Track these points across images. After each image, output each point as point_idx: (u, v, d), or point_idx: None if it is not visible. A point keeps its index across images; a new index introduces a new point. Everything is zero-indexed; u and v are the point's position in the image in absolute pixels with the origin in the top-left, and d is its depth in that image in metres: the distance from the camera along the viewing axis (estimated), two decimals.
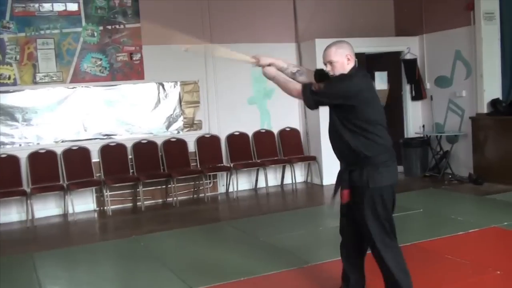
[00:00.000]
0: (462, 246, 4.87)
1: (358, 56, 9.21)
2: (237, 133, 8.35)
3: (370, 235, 3.25)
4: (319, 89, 3.20)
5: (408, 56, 8.97)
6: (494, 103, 7.82)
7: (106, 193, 7.28)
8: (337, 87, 3.21)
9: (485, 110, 7.89)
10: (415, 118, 9.09)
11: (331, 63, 3.28)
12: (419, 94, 8.94)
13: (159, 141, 7.87)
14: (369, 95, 3.22)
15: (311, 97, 3.23)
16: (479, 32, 7.82)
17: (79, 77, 7.45)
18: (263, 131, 8.57)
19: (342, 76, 3.26)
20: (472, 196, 7.09)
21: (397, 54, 9.06)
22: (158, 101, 7.96)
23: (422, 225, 5.80)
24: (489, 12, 7.83)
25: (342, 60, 3.27)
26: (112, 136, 7.69)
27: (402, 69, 9.07)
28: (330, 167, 8.27)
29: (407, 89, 9.07)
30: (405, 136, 9.04)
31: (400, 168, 8.86)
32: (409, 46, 8.98)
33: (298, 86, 3.32)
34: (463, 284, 3.94)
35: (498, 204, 6.45)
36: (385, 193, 3.22)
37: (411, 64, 8.95)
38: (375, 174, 3.18)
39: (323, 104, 3.26)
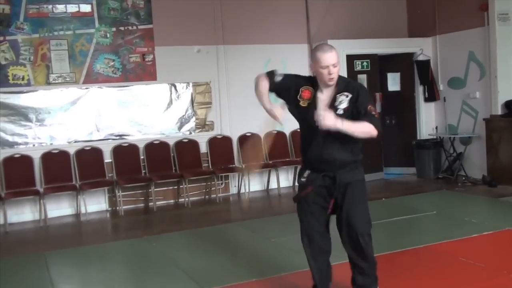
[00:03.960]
0: (476, 248, 4.82)
1: (371, 57, 9.26)
2: (249, 134, 8.34)
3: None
4: (376, 112, 3.25)
5: (421, 57, 8.91)
6: (508, 104, 7.75)
7: (118, 193, 7.30)
8: (372, 101, 3.34)
9: (499, 111, 7.82)
10: (428, 120, 9.02)
11: (335, 65, 3.23)
12: (432, 96, 8.88)
13: (171, 142, 7.89)
14: None
15: (379, 121, 3.26)
16: (493, 33, 7.76)
17: (92, 78, 7.49)
18: (275, 132, 8.54)
19: (363, 87, 3.40)
20: (486, 198, 7.02)
21: (410, 55, 9.01)
22: (170, 102, 7.98)
23: (435, 227, 5.74)
24: (504, 13, 7.76)
25: (340, 64, 3.33)
26: (124, 137, 7.72)
27: (415, 70, 9.01)
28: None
29: (420, 90, 9.01)
30: (418, 138, 8.98)
31: (413, 170, 8.84)
32: (422, 47, 8.92)
33: (368, 126, 3.16)
34: (477, 287, 3.90)
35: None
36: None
37: (424, 65, 8.90)
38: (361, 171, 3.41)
39: None
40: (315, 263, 3.54)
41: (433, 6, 8.85)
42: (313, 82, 3.36)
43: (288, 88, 3.42)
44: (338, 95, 3.27)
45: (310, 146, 3.35)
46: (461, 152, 8.37)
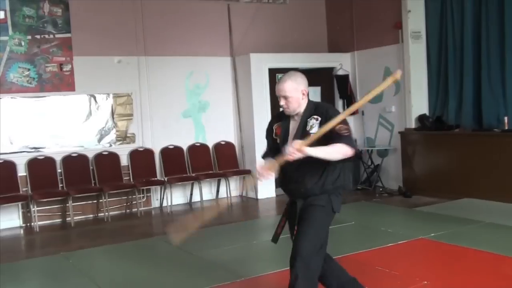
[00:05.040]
0: (392, 257, 4.99)
1: (293, 70, 9.37)
2: (171, 147, 8.25)
3: None
4: (347, 130, 3.16)
5: (340, 72, 9.19)
6: (421, 118, 8.13)
7: (33, 209, 6.99)
8: (343, 118, 3.16)
9: (413, 125, 8.19)
10: None
11: (285, 98, 3.24)
12: None
13: (90, 155, 7.66)
14: None
15: (352, 138, 3.20)
16: (407, 50, 8.14)
17: (5, 88, 7.15)
18: (198, 144, 8.52)
19: (331, 108, 3.36)
20: (401, 209, 7.31)
21: (330, 69, 9.27)
22: (90, 113, 7.76)
23: (354, 237, 5.91)
24: (416, 31, 8.16)
25: (298, 96, 3.24)
26: (40, 149, 7.41)
27: (334, 85, 9.28)
28: (265, 181, 8.32)
29: (339, 104, 9.28)
30: None
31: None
32: (341, 62, 9.21)
33: (341, 146, 3.10)
34: None
35: (425, 216, 6.68)
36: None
37: (343, 80, 9.18)
38: (335, 198, 3.31)
39: None
40: None
41: (351, 23, 9.17)
42: (281, 115, 3.38)
43: (268, 136, 3.48)
44: (308, 119, 3.26)
45: (285, 177, 3.33)
46: (378, 164, 8.68)
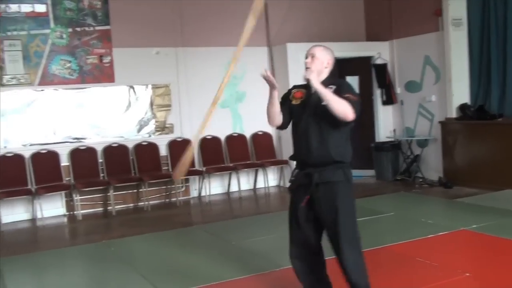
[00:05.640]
0: (432, 248, 4.91)
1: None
2: (209, 137, 8.31)
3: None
4: (355, 98, 3.22)
5: (378, 61, 9.07)
6: (462, 107, 7.96)
7: (76, 198, 7.16)
8: (356, 93, 3.33)
9: (454, 114, 8.03)
10: (386, 123, 9.19)
11: (313, 56, 3.36)
12: (389, 99, 9.05)
13: (130, 145, 7.78)
14: None
15: (359, 107, 3.21)
16: (448, 38, 7.96)
17: (47, 80, 7.32)
18: (236, 134, 8.55)
19: (345, 81, 3.58)
20: (442, 200, 7.18)
21: (368, 59, 9.15)
22: (129, 104, 7.88)
23: (393, 228, 5.84)
24: (457, 18, 7.97)
25: (323, 60, 3.37)
26: (82, 140, 7.58)
27: (373, 74, 9.16)
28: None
29: (377, 93, 9.16)
30: (376, 140, 9.12)
31: (372, 172, 8.97)
32: (380, 51, 9.08)
33: (345, 104, 3.14)
34: (433, 286, 3.97)
35: (466, 207, 6.56)
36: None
37: (382, 69, 9.06)
38: (348, 171, 3.40)
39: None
40: None
41: (389, 11, 9.02)
42: (307, 86, 3.41)
43: (285, 96, 3.55)
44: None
45: (298, 143, 3.41)
46: (418, 155, 8.54)
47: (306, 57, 3.41)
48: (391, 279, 4.16)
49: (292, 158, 3.54)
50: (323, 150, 3.28)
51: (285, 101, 3.52)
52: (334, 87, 3.28)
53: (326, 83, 3.30)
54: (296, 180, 3.43)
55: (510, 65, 7.51)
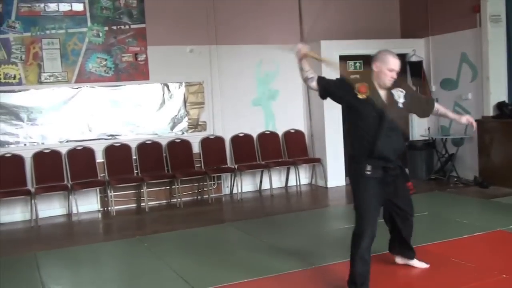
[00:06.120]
0: (468, 249, 4.83)
1: (365, 57, 9.25)
2: (241, 135, 8.33)
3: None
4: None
5: (413, 58, 8.93)
6: (500, 106, 7.78)
7: (110, 194, 7.27)
8: None
9: (491, 113, 7.85)
10: (421, 121, 9.02)
11: (395, 71, 3.73)
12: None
13: (163, 142, 7.86)
14: None
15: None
16: (486, 35, 7.79)
17: (84, 77, 7.46)
18: (268, 132, 8.55)
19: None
20: (477, 199, 7.04)
21: (403, 56, 9.02)
22: (163, 101, 7.96)
23: (427, 227, 5.73)
24: (496, 15, 7.79)
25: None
26: (116, 137, 7.69)
27: (407, 71, 9.03)
28: (335, 169, 8.27)
29: None
30: (411, 139, 9.00)
31: (406, 171, 8.83)
32: (415, 48, 8.94)
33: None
34: (469, 287, 3.90)
35: (503, 207, 6.41)
36: None
37: (417, 66, 8.92)
38: None
39: None
40: None
41: (425, 7, 8.87)
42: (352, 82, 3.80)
43: (341, 88, 3.82)
44: (392, 91, 3.76)
45: (378, 138, 3.65)
46: (453, 153, 8.39)
47: (393, 70, 3.69)
48: (425, 278, 4.11)
49: (361, 152, 3.74)
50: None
51: (345, 90, 3.75)
52: (404, 91, 3.78)
53: (394, 85, 3.76)
54: (376, 173, 3.72)
55: None
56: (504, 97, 7.86)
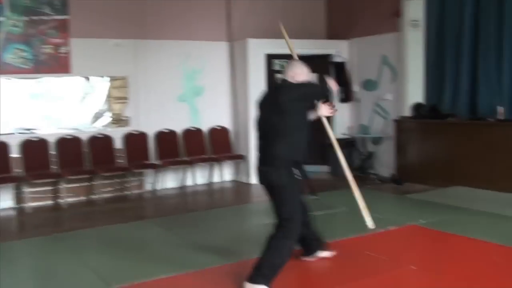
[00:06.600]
0: (381, 243, 5.02)
1: (290, 57, 9.34)
2: (166, 131, 8.25)
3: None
4: None
5: (337, 59, 9.15)
6: (417, 106, 8.13)
7: (25, 190, 6.99)
8: None
9: (408, 113, 8.19)
10: (343, 120, 9.28)
11: None
12: (347, 97, 9.15)
13: (84, 137, 7.66)
14: None
15: None
16: (405, 38, 8.11)
17: (1, 69, 7.12)
18: (193, 129, 8.52)
19: None
20: (392, 196, 7.34)
21: (327, 56, 9.23)
22: (85, 96, 7.74)
23: (345, 223, 5.92)
24: (415, 20, 8.13)
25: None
26: (34, 131, 7.41)
27: (331, 72, 9.24)
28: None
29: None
30: None
31: (326, 168, 9.06)
32: (339, 49, 9.17)
33: None
34: (380, 278, 4.06)
35: (416, 203, 6.71)
36: None
37: (340, 67, 9.14)
38: None
39: None
40: None
41: (350, 10, 9.13)
42: None
43: None
44: None
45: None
46: (372, 152, 8.68)
47: None
48: (340, 270, 4.26)
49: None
50: None
51: None
52: None
53: None
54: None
55: (463, 67, 7.70)
56: (420, 98, 8.22)
